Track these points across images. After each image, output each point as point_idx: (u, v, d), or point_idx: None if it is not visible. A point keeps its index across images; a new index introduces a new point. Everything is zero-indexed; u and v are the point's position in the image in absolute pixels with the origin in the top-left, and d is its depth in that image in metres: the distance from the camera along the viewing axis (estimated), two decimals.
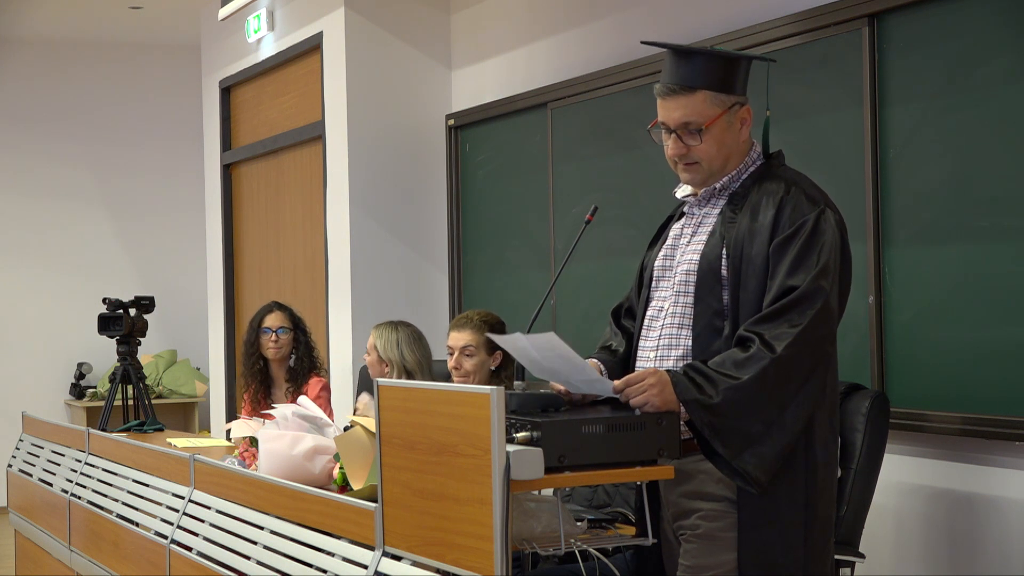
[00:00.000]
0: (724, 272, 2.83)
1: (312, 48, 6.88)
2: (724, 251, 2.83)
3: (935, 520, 3.90)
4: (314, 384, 5.23)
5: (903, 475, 3.97)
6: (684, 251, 2.93)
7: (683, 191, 3.02)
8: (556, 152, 5.64)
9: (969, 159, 3.73)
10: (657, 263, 3.00)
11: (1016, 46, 3.62)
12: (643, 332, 2.98)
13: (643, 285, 3.05)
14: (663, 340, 2.90)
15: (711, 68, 2.85)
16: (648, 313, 2.98)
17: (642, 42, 3.17)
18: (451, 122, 6.41)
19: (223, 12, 7.43)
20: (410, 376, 4.69)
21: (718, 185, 2.92)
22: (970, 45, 3.73)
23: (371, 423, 3.09)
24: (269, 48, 7.45)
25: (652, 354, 2.92)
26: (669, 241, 3.01)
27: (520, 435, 2.56)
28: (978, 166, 3.71)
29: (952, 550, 3.85)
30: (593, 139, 5.41)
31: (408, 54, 6.56)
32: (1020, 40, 3.61)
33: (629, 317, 3.13)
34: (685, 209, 3.02)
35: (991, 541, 3.72)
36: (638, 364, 2.96)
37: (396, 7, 6.57)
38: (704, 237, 2.90)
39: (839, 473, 2.93)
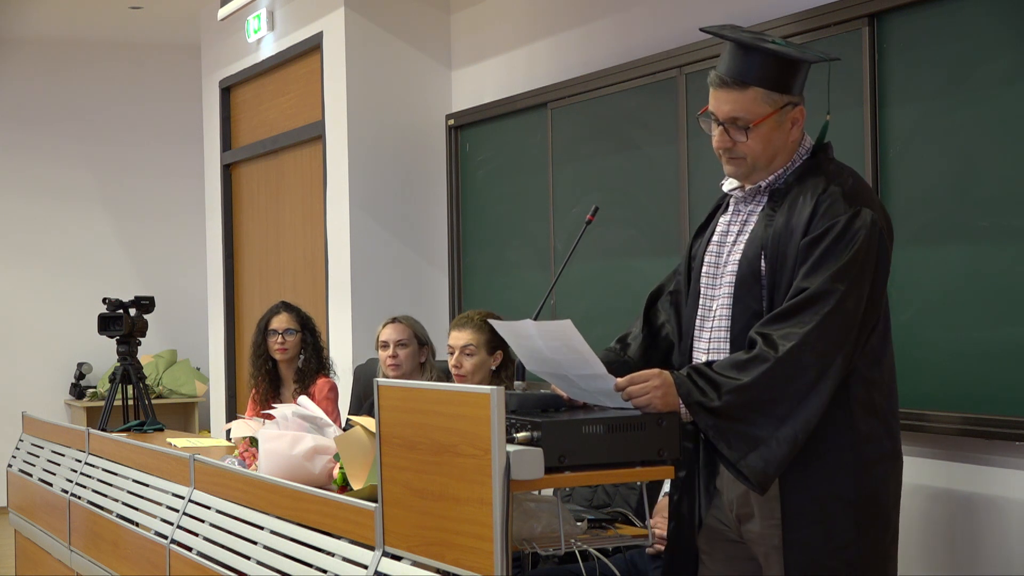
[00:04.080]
0: (763, 271, 2.77)
1: (312, 48, 6.88)
2: (762, 251, 2.77)
3: (935, 520, 3.90)
4: (321, 385, 5.20)
5: (903, 475, 3.96)
6: (731, 251, 2.87)
7: (729, 184, 2.94)
8: (556, 152, 5.64)
9: (969, 159, 3.73)
10: (707, 259, 2.92)
11: (1016, 46, 3.61)
12: (696, 333, 2.92)
13: (692, 277, 2.97)
14: (713, 344, 2.86)
15: (768, 66, 2.77)
16: (699, 312, 2.92)
17: (701, 29, 3.03)
18: (451, 122, 6.41)
19: (223, 12, 7.43)
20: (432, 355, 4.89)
21: (763, 183, 2.84)
22: (970, 45, 3.73)
23: (371, 423, 3.09)
24: (269, 48, 7.45)
25: (704, 356, 2.87)
26: (716, 236, 2.93)
27: (520, 435, 2.56)
28: (978, 166, 3.71)
29: (952, 550, 3.84)
30: (593, 139, 5.41)
31: (408, 54, 6.56)
32: (1020, 40, 3.61)
33: (667, 306, 3.06)
34: (731, 203, 2.94)
35: (991, 541, 3.72)
36: (695, 359, 2.90)
37: (396, 7, 6.57)
38: (747, 236, 2.84)
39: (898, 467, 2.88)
